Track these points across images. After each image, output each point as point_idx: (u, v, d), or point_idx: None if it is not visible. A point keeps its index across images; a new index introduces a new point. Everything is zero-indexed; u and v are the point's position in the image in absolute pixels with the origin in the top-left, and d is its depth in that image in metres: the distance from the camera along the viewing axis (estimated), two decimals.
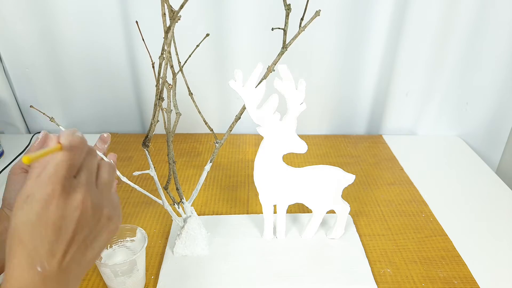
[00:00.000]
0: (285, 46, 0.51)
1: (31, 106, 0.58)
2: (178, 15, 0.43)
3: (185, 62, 0.54)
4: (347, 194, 0.76)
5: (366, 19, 0.87)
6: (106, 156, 0.50)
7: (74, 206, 0.32)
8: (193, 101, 0.57)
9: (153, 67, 0.51)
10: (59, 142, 0.33)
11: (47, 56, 0.90)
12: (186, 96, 0.57)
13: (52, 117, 0.52)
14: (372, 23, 0.87)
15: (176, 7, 0.43)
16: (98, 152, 0.50)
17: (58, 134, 0.34)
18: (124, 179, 0.56)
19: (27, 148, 0.91)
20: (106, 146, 0.52)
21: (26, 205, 0.32)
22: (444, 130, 1.03)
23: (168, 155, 0.57)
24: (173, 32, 0.45)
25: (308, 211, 0.64)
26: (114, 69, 0.92)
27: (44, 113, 0.52)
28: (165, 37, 0.45)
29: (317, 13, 0.49)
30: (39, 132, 0.98)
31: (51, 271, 0.31)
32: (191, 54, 0.52)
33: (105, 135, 0.52)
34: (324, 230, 0.67)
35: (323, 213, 0.63)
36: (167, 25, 0.45)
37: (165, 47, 0.46)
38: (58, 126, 0.54)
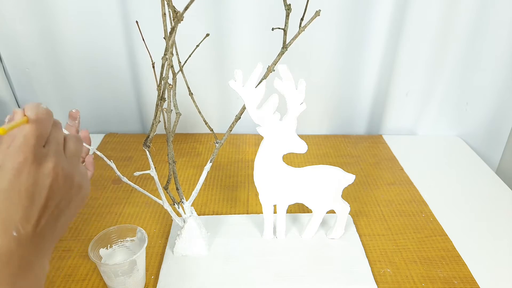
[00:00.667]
0: (285, 46, 0.51)
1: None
2: (182, 16, 0.43)
3: (185, 62, 0.54)
4: (347, 194, 0.76)
5: (366, 19, 0.87)
6: (78, 133, 0.51)
7: (46, 173, 0.34)
8: (193, 101, 0.57)
9: (153, 67, 0.51)
10: (25, 115, 0.34)
11: (47, 56, 0.90)
12: (186, 96, 0.57)
13: None
14: (372, 23, 0.87)
15: (177, 7, 0.44)
16: (66, 130, 0.50)
17: (23, 108, 0.35)
18: (124, 179, 0.56)
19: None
20: (76, 122, 0.53)
21: None
22: (444, 130, 1.03)
23: (168, 155, 0.57)
24: (175, 32, 0.45)
25: (308, 211, 0.64)
26: (114, 69, 0.92)
27: None
28: (169, 38, 0.45)
29: (317, 13, 0.49)
30: None
31: (26, 235, 0.33)
32: (191, 54, 0.52)
33: (73, 110, 0.53)
34: (324, 230, 0.67)
35: (323, 213, 0.63)
36: (170, 26, 0.45)
37: (168, 48, 0.46)
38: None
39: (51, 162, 0.34)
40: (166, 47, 0.46)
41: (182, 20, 0.43)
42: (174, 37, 0.45)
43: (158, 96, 0.50)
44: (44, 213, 0.34)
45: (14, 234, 0.32)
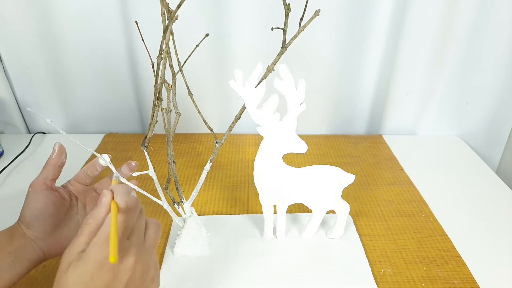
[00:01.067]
0: (284, 46, 0.51)
1: (28, 109, 0.58)
2: (176, 15, 0.43)
3: (185, 62, 0.54)
4: (347, 194, 0.76)
5: (366, 19, 0.87)
6: (128, 181, 0.50)
7: (127, 268, 0.33)
8: (193, 101, 0.57)
9: (153, 67, 0.51)
10: (113, 200, 0.33)
11: (47, 56, 0.90)
12: (186, 96, 0.57)
13: (50, 121, 0.51)
14: (372, 23, 0.87)
15: (173, 7, 0.43)
16: (121, 178, 0.50)
17: (110, 189, 0.34)
18: (123, 180, 0.56)
19: (26, 149, 0.91)
20: (130, 173, 0.53)
21: (80, 263, 0.32)
22: (444, 130, 1.03)
23: (168, 155, 0.57)
24: (170, 31, 0.45)
25: (308, 211, 0.64)
26: (114, 69, 0.92)
27: (41, 116, 0.52)
28: (163, 37, 0.45)
29: (317, 13, 0.49)
30: (40, 133, 0.99)
31: None
32: (191, 54, 0.52)
33: (133, 163, 0.52)
34: (324, 230, 0.67)
35: (323, 213, 0.63)
36: (165, 25, 0.45)
37: (163, 47, 0.46)
38: (59, 130, 0.53)
39: (133, 257, 0.33)
40: (160, 47, 0.46)
41: (176, 19, 0.43)
42: (169, 36, 0.45)
43: (154, 96, 0.50)
44: None
45: None
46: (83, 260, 0.32)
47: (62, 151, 0.50)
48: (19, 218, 0.50)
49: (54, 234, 0.51)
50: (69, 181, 0.55)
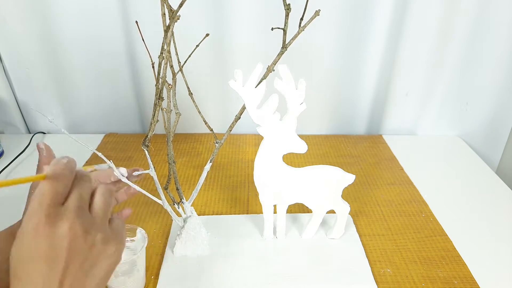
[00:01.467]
0: (285, 46, 0.51)
1: (31, 108, 0.58)
2: (177, 14, 0.43)
3: (185, 62, 0.54)
4: (347, 194, 0.76)
5: (366, 19, 0.87)
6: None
7: (62, 234, 0.31)
8: (193, 101, 0.57)
9: (153, 67, 0.51)
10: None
11: (47, 56, 0.90)
12: (186, 96, 0.57)
13: (52, 119, 0.52)
14: (372, 23, 0.87)
15: (175, 7, 0.44)
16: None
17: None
18: (124, 179, 0.56)
19: (26, 149, 0.91)
20: (132, 177, 0.53)
21: (18, 239, 0.31)
22: (444, 130, 1.03)
23: (168, 155, 0.57)
24: (172, 31, 0.45)
25: (308, 211, 0.64)
26: (114, 69, 0.92)
27: (43, 114, 0.52)
28: (165, 37, 0.45)
29: (317, 13, 0.49)
30: (40, 133, 0.99)
31: None
32: (191, 54, 0.52)
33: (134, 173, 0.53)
34: (324, 230, 0.67)
35: (323, 213, 0.63)
36: (167, 25, 0.45)
37: (165, 47, 0.46)
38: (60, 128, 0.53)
39: (66, 221, 0.32)
40: (162, 46, 0.46)
41: (178, 19, 0.43)
42: (171, 35, 0.45)
43: (156, 95, 0.50)
44: (66, 278, 0.32)
45: None
46: (19, 235, 0.32)
47: (48, 147, 0.49)
48: (21, 220, 0.50)
49: None
50: None
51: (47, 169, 0.33)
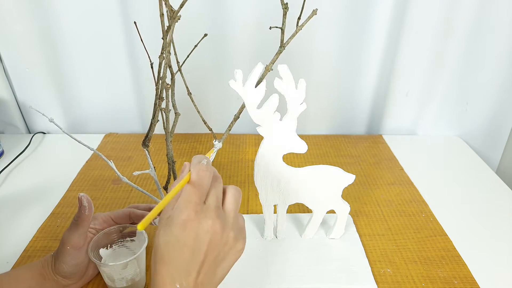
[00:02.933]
0: (282, 45, 0.51)
1: (30, 107, 0.58)
2: (178, 15, 0.43)
3: (184, 62, 0.54)
4: (347, 194, 0.76)
5: (366, 19, 0.87)
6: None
7: (205, 229, 0.36)
8: (192, 101, 0.57)
9: (152, 67, 0.51)
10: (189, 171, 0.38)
11: (47, 56, 0.90)
12: (186, 96, 0.57)
13: (52, 118, 0.51)
14: (372, 23, 0.87)
15: (176, 7, 0.44)
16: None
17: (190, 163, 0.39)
18: (124, 179, 0.56)
19: (26, 149, 0.91)
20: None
21: (167, 227, 0.36)
22: (444, 130, 1.03)
23: (167, 155, 0.57)
24: (172, 31, 0.45)
25: (308, 211, 0.64)
26: (114, 69, 0.92)
27: (43, 114, 0.52)
28: (165, 37, 0.45)
29: (314, 12, 0.49)
30: (40, 133, 0.99)
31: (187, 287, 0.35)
32: (190, 54, 0.52)
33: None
34: (324, 230, 0.67)
35: (323, 213, 0.63)
36: (166, 25, 0.45)
37: (165, 47, 0.46)
38: (60, 128, 0.53)
39: (210, 219, 0.37)
40: (163, 46, 0.46)
41: (179, 19, 0.43)
42: (171, 35, 0.45)
43: (156, 95, 0.50)
44: (203, 267, 0.36)
45: (178, 287, 0.35)
46: (169, 223, 0.36)
47: (90, 204, 0.50)
48: (53, 269, 0.50)
49: (85, 275, 0.54)
50: (96, 218, 0.55)
51: (192, 173, 0.38)
